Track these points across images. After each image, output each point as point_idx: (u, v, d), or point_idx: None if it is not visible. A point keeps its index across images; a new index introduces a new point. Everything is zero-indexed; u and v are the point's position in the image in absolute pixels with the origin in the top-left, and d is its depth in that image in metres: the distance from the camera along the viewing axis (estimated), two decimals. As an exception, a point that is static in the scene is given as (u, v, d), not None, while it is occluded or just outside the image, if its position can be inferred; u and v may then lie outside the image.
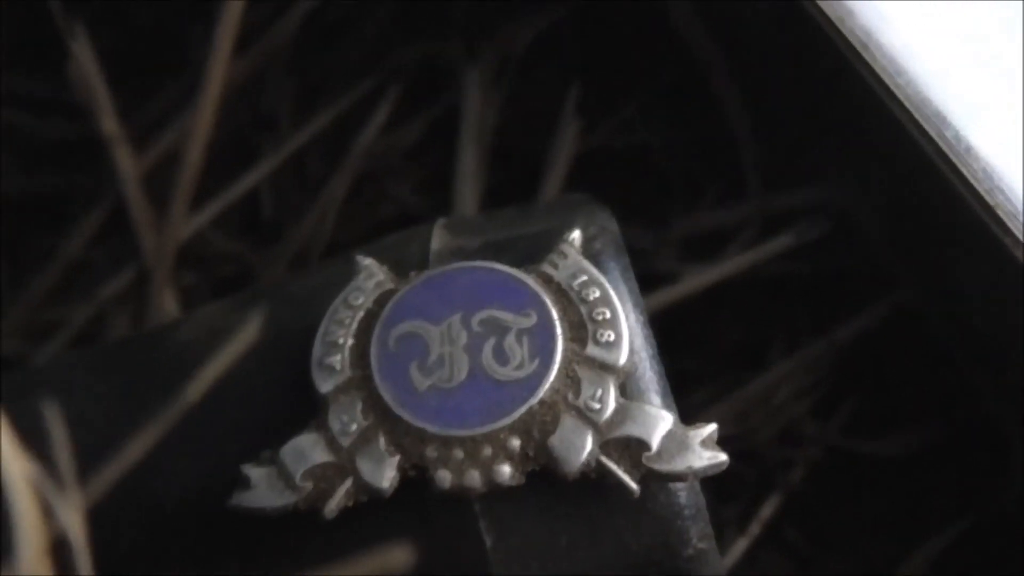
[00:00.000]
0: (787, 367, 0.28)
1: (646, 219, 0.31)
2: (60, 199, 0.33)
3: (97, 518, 0.17)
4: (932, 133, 0.19)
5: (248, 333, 0.17)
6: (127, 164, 0.30)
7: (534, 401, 0.16)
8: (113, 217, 0.32)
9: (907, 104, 0.19)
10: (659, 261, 0.30)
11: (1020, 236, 0.19)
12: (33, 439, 0.19)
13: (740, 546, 0.27)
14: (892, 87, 0.19)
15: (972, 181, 0.19)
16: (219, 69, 0.28)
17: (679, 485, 0.17)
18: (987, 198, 0.19)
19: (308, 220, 0.32)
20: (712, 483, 0.28)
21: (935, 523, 0.27)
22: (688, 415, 0.25)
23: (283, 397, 0.18)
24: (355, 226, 0.33)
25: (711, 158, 0.32)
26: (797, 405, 0.28)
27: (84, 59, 0.29)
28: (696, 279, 0.29)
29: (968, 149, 0.19)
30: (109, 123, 0.30)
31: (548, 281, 0.17)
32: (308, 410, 0.17)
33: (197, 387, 0.17)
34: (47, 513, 0.15)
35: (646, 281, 0.30)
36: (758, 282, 0.30)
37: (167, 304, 0.29)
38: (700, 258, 0.29)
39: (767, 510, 0.27)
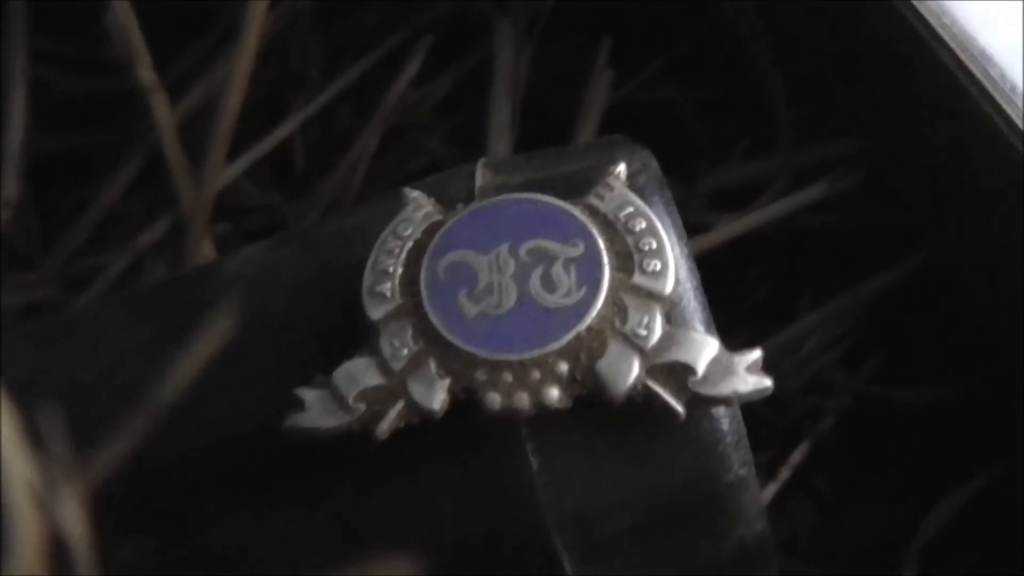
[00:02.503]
0: (816, 319, 0.29)
1: (675, 174, 0.31)
2: (91, 155, 0.34)
3: (152, 449, 0.18)
4: (977, 73, 0.19)
5: (220, 327, 0.17)
6: (164, 113, 0.30)
7: (582, 327, 0.17)
8: (148, 168, 0.32)
9: (952, 44, 0.19)
10: (689, 212, 0.30)
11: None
12: (71, 387, 0.20)
13: (769, 492, 0.27)
14: (937, 27, 0.19)
15: (1017, 121, 0.19)
16: (257, 15, 0.28)
17: (721, 412, 0.17)
18: (1032, 139, 0.19)
19: (339, 172, 0.32)
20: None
21: (960, 473, 0.27)
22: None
23: (331, 328, 0.18)
24: (385, 178, 0.33)
25: (740, 112, 0.32)
26: (825, 356, 0.29)
27: (121, 8, 0.29)
28: (726, 229, 0.29)
29: (1013, 89, 0.19)
30: (146, 72, 0.30)
31: (594, 212, 0.18)
32: (358, 339, 0.18)
33: (177, 378, 0.17)
34: (46, 507, 0.14)
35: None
36: (788, 235, 0.30)
37: (205, 252, 0.30)
38: (731, 210, 0.30)
39: (796, 457, 0.27)
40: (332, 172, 0.32)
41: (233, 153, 0.31)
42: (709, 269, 0.29)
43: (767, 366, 0.29)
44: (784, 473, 0.27)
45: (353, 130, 0.33)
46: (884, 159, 0.27)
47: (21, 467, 0.14)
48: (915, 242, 0.27)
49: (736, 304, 0.31)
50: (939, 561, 0.27)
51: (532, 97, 0.32)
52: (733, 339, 0.30)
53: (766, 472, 0.28)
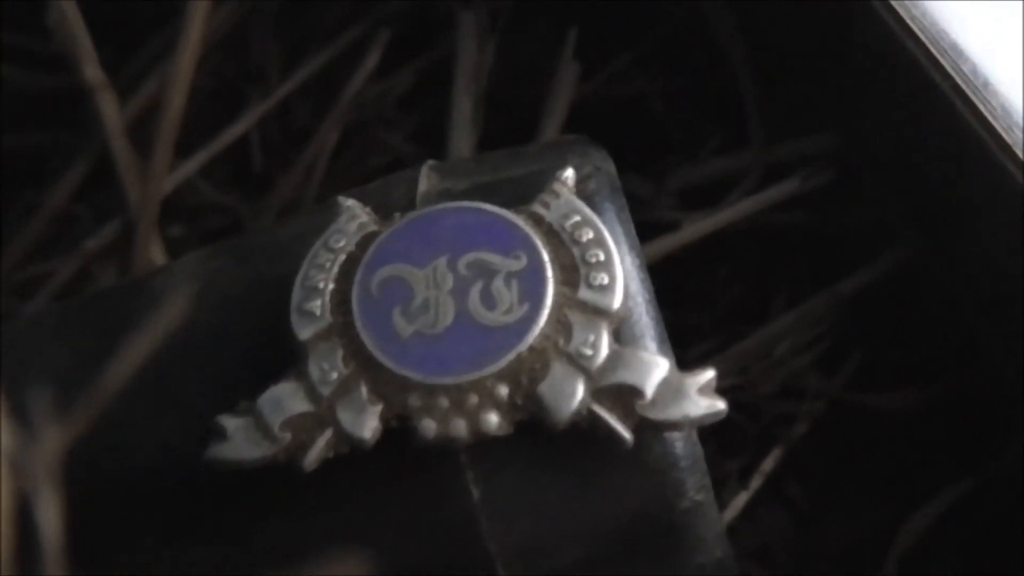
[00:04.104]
0: (789, 320, 0.28)
1: (645, 169, 0.30)
2: (43, 154, 0.33)
3: (70, 475, 0.17)
4: (948, 67, 0.18)
5: (176, 304, 0.16)
6: (111, 112, 0.29)
7: (523, 347, 0.16)
8: (98, 170, 0.31)
9: (922, 37, 0.18)
10: (658, 210, 0.29)
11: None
12: (10, 400, 0.19)
13: (740, 500, 0.26)
14: (907, 20, 0.18)
15: (989, 118, 0.18)
16: (200, 10, 0.27)
17: (675, 435, 0.16)
18: (1005, 136, 0.18)
19: (297, 170, 0.31)
20: (714, 437, 0.27)
21: (938, 480, 0.26)
22: (688, 368, 0.25)
23: (262, 347, 0.17)
24: (346, 176, 0.32)
25: (712, 107, 0.31)
26: (799, 359, 0.28)
27: (64, 4, 0.28)
28: (696, 227, 0.28)
29: (986, 84, 0.18)
30: (92, 70, 0.29)
31: (539, 222, 0.17)
32: (287, 360, 0.17)
33: (129, 361, 0.16)
34: (20, 504, 0.13)
35: (645, 230, 0.29)
36: (760, 234, 0.29)
37: (153, 255, 0.29)
38: (700, 208, 0.29)
39: (768, 464, 0.27)
40: (291, 170, 0.31)
41: (189, 151, 0.30)
42: (681, 269, 0.29)
43: (739, 369, 0.28)
44: (756, 481, 0.26)
45: (313, 127, 0.32)
46: (857, 156, 0.26)
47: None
48: (890, 240, 0.27)
49: (708, 304, 0.30)
50: (917, 571, 0.26)
51: (500, 89, 0.31)
52: (705, 340, 0.29)
53: (738, 479, 0.27)
